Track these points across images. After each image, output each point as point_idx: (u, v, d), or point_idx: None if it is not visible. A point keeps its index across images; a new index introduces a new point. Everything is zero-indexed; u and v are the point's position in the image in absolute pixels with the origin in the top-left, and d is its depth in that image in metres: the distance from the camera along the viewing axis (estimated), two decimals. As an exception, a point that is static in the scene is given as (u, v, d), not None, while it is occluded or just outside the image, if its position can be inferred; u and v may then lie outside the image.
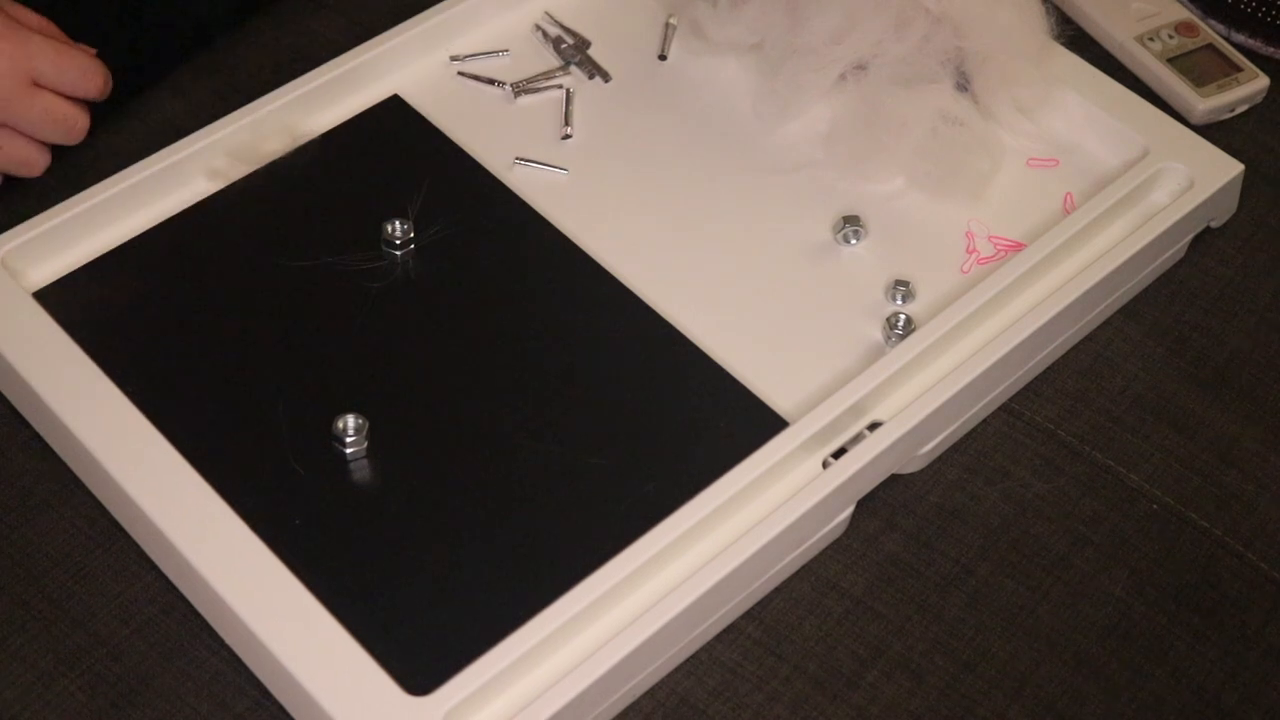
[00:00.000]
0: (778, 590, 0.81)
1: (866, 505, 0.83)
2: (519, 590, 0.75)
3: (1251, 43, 1.08)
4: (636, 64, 1.01)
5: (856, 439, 0.82)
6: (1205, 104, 1.02)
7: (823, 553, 0.82)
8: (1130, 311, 0.93)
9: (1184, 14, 1.07)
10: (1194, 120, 1.02)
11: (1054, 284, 0.89)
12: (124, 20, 0.97)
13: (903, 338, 0.86)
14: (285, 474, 0.79)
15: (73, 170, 0.93)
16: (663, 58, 1.01)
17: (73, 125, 0.91)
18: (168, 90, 1.00)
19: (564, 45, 1.01)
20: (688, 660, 0.78)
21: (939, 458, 0.86)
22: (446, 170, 0.93)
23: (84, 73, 0.90)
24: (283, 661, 0.72)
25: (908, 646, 0.79)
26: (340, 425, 0.80)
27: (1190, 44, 1.05)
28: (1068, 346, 0.91)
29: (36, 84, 0.89)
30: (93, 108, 0.92)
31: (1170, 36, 1.06)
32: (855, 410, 0.82)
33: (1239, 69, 1.04)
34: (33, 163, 0.91)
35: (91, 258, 0.88)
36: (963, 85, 0.96)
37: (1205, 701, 0.79)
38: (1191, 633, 0.81)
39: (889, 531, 0.83)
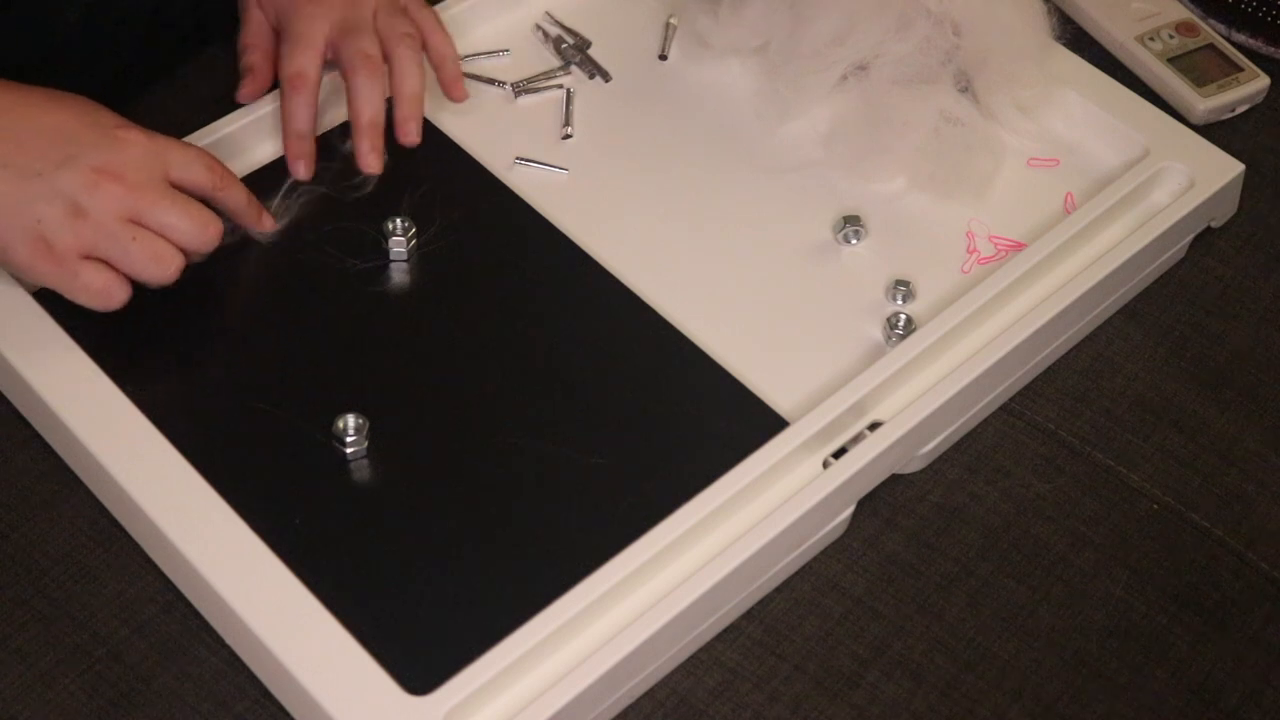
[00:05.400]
0: (778, 590, 0.81)
1: (867, 505, 0.83)
2: (519, 590, 0.75)
3: (1252, 43, 1.08)
4: (636, 64, 1.01)
5: (857, 439, 0.82)
6: (1205, 104, 1.02)
7: (823, 553, 0.82)
8: (1131, 311, 0.93)
9: (1184, 14, 1.07)
10: (1194, 120, 1.02)
11: (1054, 284, 0.89)
12: None
13: (903, 338, 0.86)
14: (285, 474, 0.79)
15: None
16: (663, 58, 1.01)
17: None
18: (169, 89, 1.00)
19: (564, 45, 1.01)
20: (688, 660, 0.78)
21: (939, 458, 0.86)
22: (446, 170, 0.93)
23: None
24: (283, 661, 0.72)
25: (908, 646, 0.79)
26: (340, 425, 0.80)
27: (1190, 44, 1.05)
28: (1068, 346, 0.91)
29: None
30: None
31: (1170, 36, 1.06)
32: (855, 410, 0.82)
33: (1239, 69, 1.04)
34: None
35: (91, 257, 0.88)
36: (963, 85, 0.96)
37: (1205, 701, 0.79)
38: (1191, 633, 0.81)
39: (889, 531, 0.83)
